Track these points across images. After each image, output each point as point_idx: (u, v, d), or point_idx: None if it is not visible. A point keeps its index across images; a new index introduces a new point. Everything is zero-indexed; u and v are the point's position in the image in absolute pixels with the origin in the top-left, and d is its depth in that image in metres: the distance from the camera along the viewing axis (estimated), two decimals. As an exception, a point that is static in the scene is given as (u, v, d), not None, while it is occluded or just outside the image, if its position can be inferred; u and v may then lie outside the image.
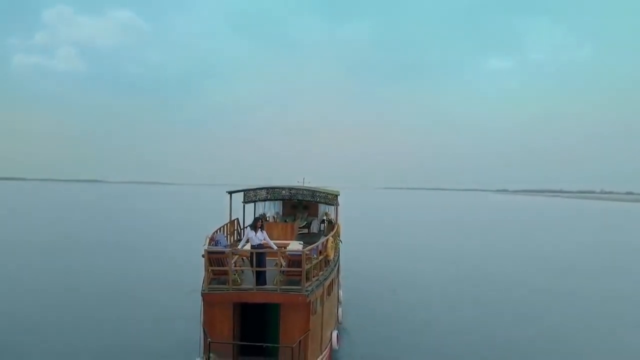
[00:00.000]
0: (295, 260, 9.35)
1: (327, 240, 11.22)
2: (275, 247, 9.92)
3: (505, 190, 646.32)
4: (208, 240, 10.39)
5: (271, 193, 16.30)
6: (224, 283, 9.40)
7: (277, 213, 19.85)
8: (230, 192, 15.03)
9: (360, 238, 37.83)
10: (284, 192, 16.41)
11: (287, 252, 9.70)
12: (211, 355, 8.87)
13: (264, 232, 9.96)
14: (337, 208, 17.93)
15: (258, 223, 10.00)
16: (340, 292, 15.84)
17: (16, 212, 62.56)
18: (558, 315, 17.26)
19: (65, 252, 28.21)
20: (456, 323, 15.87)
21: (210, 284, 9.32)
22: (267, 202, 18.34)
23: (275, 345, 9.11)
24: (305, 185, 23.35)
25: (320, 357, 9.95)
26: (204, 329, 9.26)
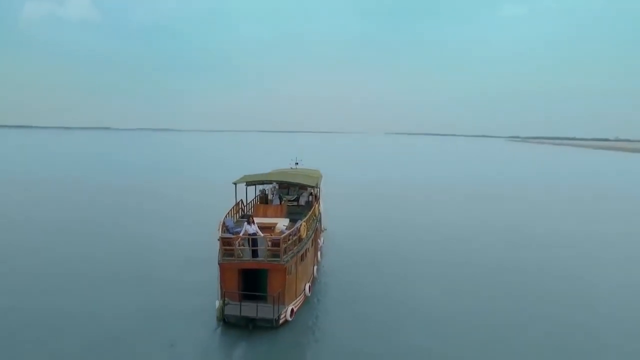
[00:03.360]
0: (275, 242, 14.69)
1: (301, 225, 16.44)
2: (262, 234, 15.19)
3: (516, 137, 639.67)
4: (221, 226, 15.73)
5: (266, 181, 21.46)
6: (231, 256, 14.80)
7: (274, 187, 25.08)
8: (235, 183, 20.13)
9: (354, 198, 42.38)
10: (275, 182, 21.52)
11: (272, 237, 15.01)
12: (225, 299, 14.51)
13: (255, 225, 15.23)
14: (319, 189, 23.11)
15: (250, 219, 15.29)
16: (319, 254, 21.32)
17: (24, 165, 67.68)
18: (533, 291, 18.56)
19: (80, 211, 33.36)
20: (421, 286, 18.66)
21: (223, 256, 14.75)
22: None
23: (264, 294, 14.69)
24: (298, 163, 28.55)
25: (295, 301, 15.54)
26: (220, 283, 14.84)
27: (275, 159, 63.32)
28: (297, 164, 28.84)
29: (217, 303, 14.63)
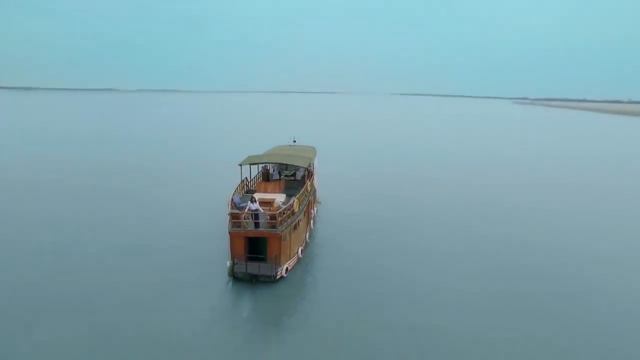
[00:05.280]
0: (273, 216, 18.63)
1: (294, 201, 20.30)
2: (262, 210, 19.08)
3: (524, 99, 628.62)
4: (230, 203, 19.65)
5: (267, 162, 25.26)
6: (239, 227, 18.79)
7: (275, 164, 28.84)
8: (241, 164, 23.89)
9: (349, 173, 45.58)
10: (273, 163, 25.28)
11: (270, 212, 18.92)
12: (234, 260, 18.65)
13: (257, 202, 19.11)
14: (312, 168, 26.85)
15: (253, 198, 19.14)
16: (312, 223, 25.32)
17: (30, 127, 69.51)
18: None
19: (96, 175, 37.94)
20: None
21: (232, 227, 18.74)
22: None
23: (265, 256, 18.79)
24: (295, 141, 32.18)
25: (289, 261, 19.64)
26: (230, 248, 18.94)
27: (273, 134, 65.84)
28: (294, 141, 32.47)
29: (228, 263, 18.82)
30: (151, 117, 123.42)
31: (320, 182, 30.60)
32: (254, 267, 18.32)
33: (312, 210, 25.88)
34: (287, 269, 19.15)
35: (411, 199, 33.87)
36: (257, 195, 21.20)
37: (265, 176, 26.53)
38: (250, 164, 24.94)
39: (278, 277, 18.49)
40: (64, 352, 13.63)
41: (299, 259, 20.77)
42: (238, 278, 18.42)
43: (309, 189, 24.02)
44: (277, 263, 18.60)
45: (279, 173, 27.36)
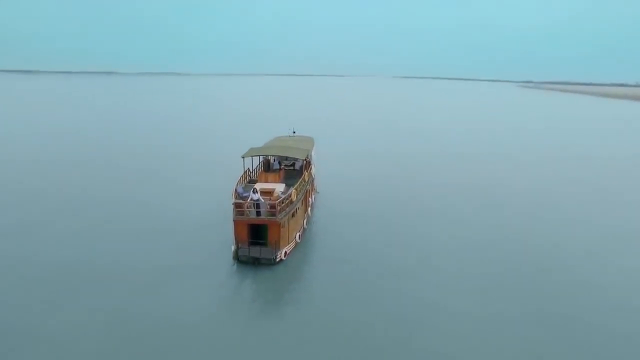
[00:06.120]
0: (273, 205, 20.55)
1: (292, 192, 22.20)
2: (263, 200, 20.99)
3: (529, 82, 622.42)
4: (234, 193, 21.58)
5: (268, 155, 27.10)
6: (242, 215, 20.74)
7: (276, 155, 30.66)
8: (244, 157, 25.72)
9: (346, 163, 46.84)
10: (274, 156, 27.13)
11: (270, 202, 20.86)
12: (238, 244, 20.66)
13: (258, 193, 21.01)
14: (310, 159, 28.67)
15: (255, 189, 21.04)
16: (309, 210, 27.25)
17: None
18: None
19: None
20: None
21: (236, 215, 20.70)
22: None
23: (265, 241, 20.80)
24: (295, 132, 33.98)
25: (288, 246, 21.66)
26: (234, 234, 20.93)
27: (274, 120, 66.65)
28: (294, 132, 34.22)
29: (233, 247, 20.87)
30: (153, 104, 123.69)
31: (318, 171, 32.42)
32: (256, 251, 20.34)
33: (309, 199, 27.79)
34: (286, 252, 21.17)
35: (407, 190, 34.77)
36: (258, 186, 23.10)
37: (266, 166, 28.35)
38: (252, 156, 26.78)
39: (278, 260, 20.51)
40: (78, 332, 15.27)
41: (297, 244, 22.76)
42: (242, 261, 20.46)
43: (306, 178, 25.90)
44: (277, 247, 20.61)
45: (279, 163, 29.23)
